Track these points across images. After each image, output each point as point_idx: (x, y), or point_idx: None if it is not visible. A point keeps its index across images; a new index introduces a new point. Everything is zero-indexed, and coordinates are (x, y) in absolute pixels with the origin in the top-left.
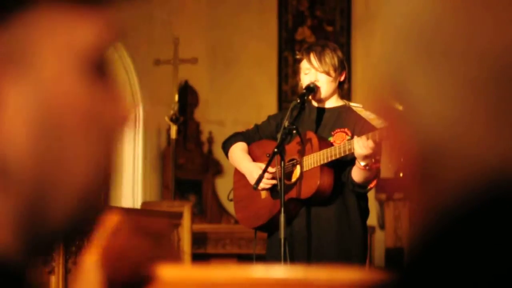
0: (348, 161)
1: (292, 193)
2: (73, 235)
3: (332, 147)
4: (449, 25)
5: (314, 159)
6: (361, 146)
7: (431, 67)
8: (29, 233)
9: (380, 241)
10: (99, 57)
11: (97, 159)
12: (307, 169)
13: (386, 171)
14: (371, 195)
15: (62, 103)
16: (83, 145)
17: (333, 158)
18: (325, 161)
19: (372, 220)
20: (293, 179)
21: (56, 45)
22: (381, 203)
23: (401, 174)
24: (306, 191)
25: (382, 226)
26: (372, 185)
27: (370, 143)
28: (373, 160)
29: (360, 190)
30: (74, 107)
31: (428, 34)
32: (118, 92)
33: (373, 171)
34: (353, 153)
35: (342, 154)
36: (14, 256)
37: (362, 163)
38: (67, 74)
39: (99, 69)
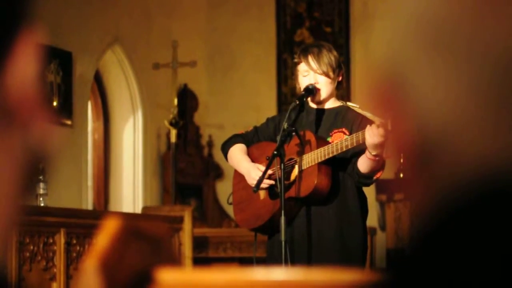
0: (348, 159)
1: (291, 192)
2: None
3: (329, 145)
4: (457, 21)
5: (311, 158)
6: (371, 134)
7: (435, 62)
8: None
9: (381, 242)
10: None
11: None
12: (305, 167)
13: (387, 172)
14: (371, 196)
15: None
16: None
17: (330, 155)
18: (323, 159)
19: (373, 221)
20: (292, 178)
21: None
22: (381, 204)
23: (401, 175)
24: (304, 189)
25: (383, 227)
26: (377, 176)
27: (381, 131)
28: (384, 149)
29: (365, 181)
30: None
31: (434, 29)
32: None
33: (380, 162)
34: (353, 149)
35: (339, 151)
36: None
37: (374, 153)
38: None
39: None
